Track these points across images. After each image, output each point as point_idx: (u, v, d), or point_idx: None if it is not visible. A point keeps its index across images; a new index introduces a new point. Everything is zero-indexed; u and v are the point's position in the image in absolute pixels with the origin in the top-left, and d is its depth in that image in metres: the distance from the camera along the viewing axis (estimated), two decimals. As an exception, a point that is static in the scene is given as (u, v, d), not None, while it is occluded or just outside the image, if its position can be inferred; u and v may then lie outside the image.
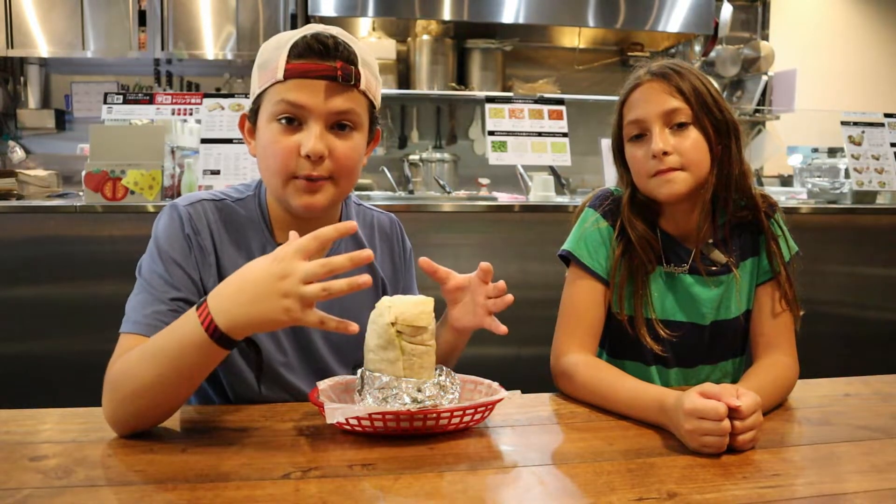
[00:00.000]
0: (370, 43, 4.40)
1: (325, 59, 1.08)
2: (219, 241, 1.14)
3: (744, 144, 1.30)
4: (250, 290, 0.89)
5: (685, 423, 0.96)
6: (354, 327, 0.91)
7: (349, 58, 1.09)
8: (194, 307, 0.93)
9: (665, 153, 1.22)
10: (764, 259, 1.32)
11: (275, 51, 1.10)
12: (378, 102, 1.17)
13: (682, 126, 1.24)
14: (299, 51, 1.08)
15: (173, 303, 1.07)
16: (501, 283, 1.13)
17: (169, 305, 1.06)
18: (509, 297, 1.12)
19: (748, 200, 1.32)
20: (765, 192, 1.37)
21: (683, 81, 1.24)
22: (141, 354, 0.96)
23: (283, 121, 1.09)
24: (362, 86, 1.10)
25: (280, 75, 1.08)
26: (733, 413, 0.94)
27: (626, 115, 1.29)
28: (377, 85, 1.16)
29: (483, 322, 1.13)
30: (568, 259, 1.33)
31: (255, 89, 1.14)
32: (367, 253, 0.91)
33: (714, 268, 1.32)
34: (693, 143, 1.24)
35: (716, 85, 1.28)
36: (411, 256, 1.36)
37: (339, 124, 1.11)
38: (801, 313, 1.31)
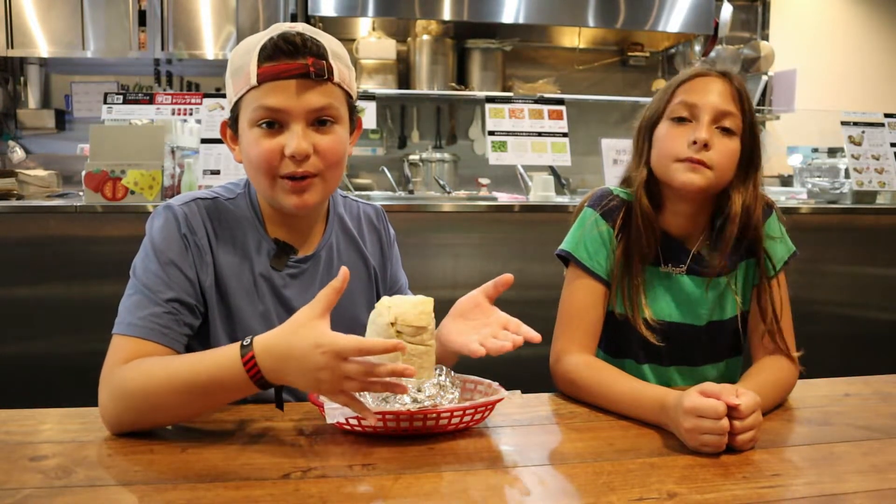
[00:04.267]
0: (370, 43, 4.40)
1: (295, 57, 1.07)
2: (214, 238, 1.15)
3: None
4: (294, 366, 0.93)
5: (684, 422, 0.96)
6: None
7: (319, 52, 1.09)
8: (238, 354, 0.94)
9: (706, 145, 1.23)
10: (761, 260, 1.32)
11: (245, 56, 1.10)
12: (354, 93, 1.17)
13: (727, 131, 1.25)
14: (268, 53, 1.08)
15: (168, 304, 1.06)
16: (519, 339, 1.04)
17: (164, 307, 1.06)
18: (507, 346, 1.03)
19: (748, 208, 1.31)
20: (762, 193, 1.37)
21: (744, 95, 1.27)
22: (171, 385, 0.96)
23: (264, 125, 1.09)
24: (336, 78, 1.10)
25: (253, 80, 1.08)
26: (732, 412, 0.94)
27: (678, 95, 1.29)
28: (351, 75, 1.16)
29: (469, 347, 1.05)
30: (567, 259, 1.33)
31: (231, 97, 1.14)
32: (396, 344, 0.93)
33: (711, 269, 1.31)
34: (731, 151, 1.25)
35: None
36: (395, 241, 1.37)
37: (319, 120, 1.11)
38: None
